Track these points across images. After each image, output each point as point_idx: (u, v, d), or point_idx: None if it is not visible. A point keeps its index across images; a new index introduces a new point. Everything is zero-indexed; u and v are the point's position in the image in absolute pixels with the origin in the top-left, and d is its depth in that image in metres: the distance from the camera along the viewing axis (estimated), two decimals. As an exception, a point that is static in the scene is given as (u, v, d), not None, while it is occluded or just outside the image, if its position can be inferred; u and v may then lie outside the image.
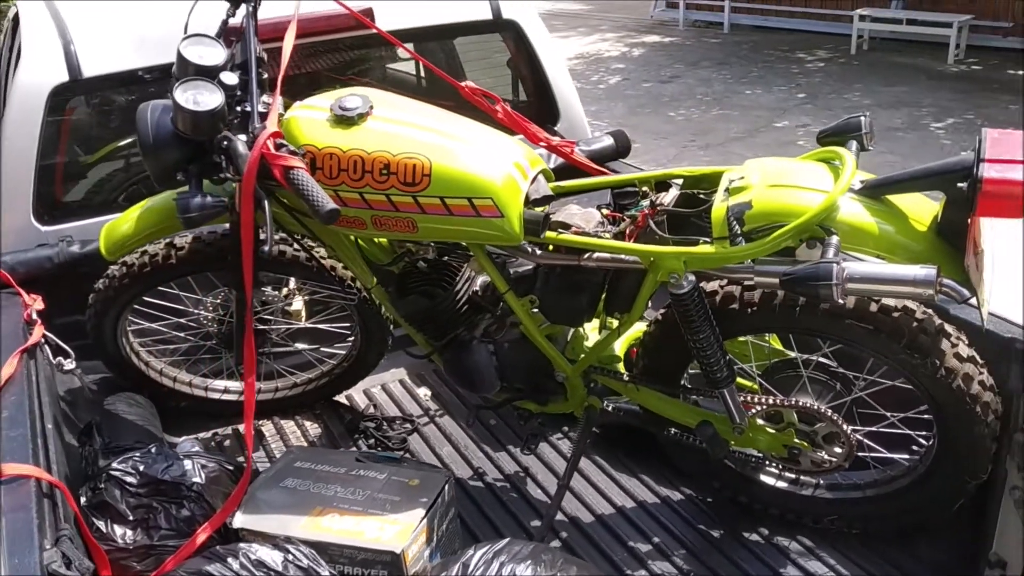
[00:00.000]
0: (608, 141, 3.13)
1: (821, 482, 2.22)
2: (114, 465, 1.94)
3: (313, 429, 2.78)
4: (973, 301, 1.69)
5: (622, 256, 1.91)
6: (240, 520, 2.00)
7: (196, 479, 1.97)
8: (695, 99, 9.30)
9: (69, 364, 2.34)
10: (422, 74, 3.61)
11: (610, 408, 2.22)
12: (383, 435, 2.72)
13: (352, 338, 2.72)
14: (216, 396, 2.77)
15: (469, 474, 2.54)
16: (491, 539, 2.25)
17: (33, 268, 2.52)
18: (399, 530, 1.95)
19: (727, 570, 2.15)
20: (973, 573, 2.05)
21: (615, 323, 2.15)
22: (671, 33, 12.51)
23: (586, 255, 1.94)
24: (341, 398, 2.90)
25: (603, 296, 2.06)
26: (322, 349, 2.78)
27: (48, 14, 2.86)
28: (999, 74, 9.45)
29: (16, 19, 3.25)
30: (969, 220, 1.66)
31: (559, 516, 2.32)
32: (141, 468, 1.95)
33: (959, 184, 1.64)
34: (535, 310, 2.12)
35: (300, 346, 2.76)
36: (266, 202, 1.87)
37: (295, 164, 1.79)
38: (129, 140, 2.97)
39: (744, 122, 8.45)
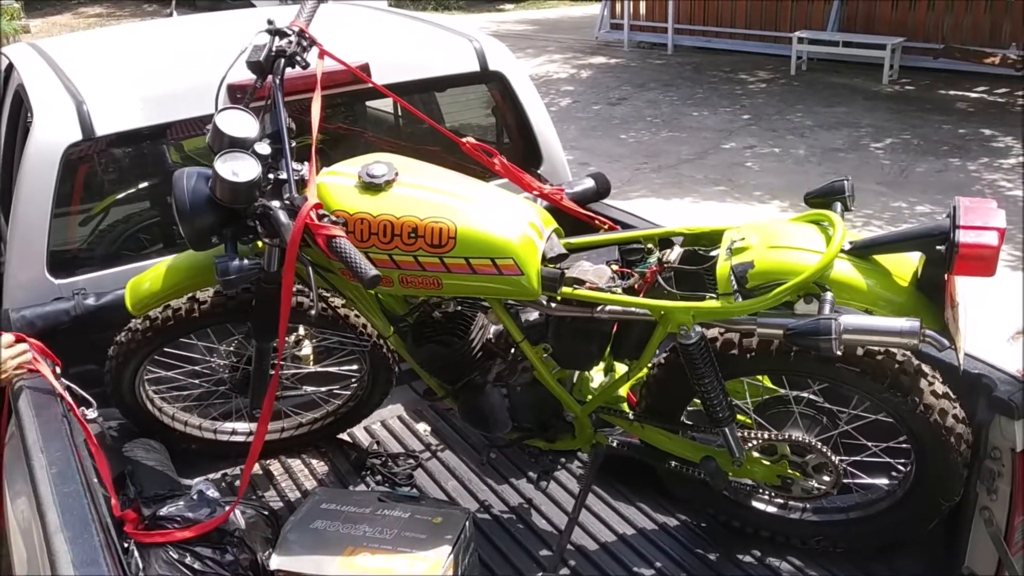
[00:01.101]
0: (589, 183, 3.31)
1: (808, 506, 2.42)
2: (161, 513, 2.06)
3: (320, 467, 2.90)
4: (951, 348, 1.91)
5: (633, 309, 2.09)
6: (276, 562, 2.13)
7: (238, 524, 2.09)
8: (644, 121, 9.57)
9: (91, 413, 2.44)
10: (401, 119, 3.75)
11: (615, 444, 2.39)
12: (389, 471, 2.85)
13: (358, 380, 2.86)
14: (225, 438, 2.88)
15: (475, 507, 2.69)
16: (504, 570, 2.43)
17: (51, 322, 2.61)
18: (429, 566, 2.10)
19: (724, 589, 2.34)
20: (948, 586, 2.27)
21: (621, 367, 2.33)
22: (616, 54, 12.81)
23: (599, 308, 2.12)
24: (344, 435, 3.03)
25: (610, 343, 2.24)
26: (330, 391, 2.91)
27: (50, 70, 2.95)
28: (931, 94, 9.91)
29: (9, 70, 3.33)
30: (946, 277, 1.87)
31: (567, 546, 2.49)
32: (188, 514, 2.06)
33: (938, 247, 1.86)
34: (547, 356, 2.29)
35: (309, 389, 2.88)
36: (310, 268, 2.00)
37: (337, 233, 1.93)
38: (130, 191, 3.08)
39: (693, 144, 8.74)
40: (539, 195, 2.70)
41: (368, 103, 3.65)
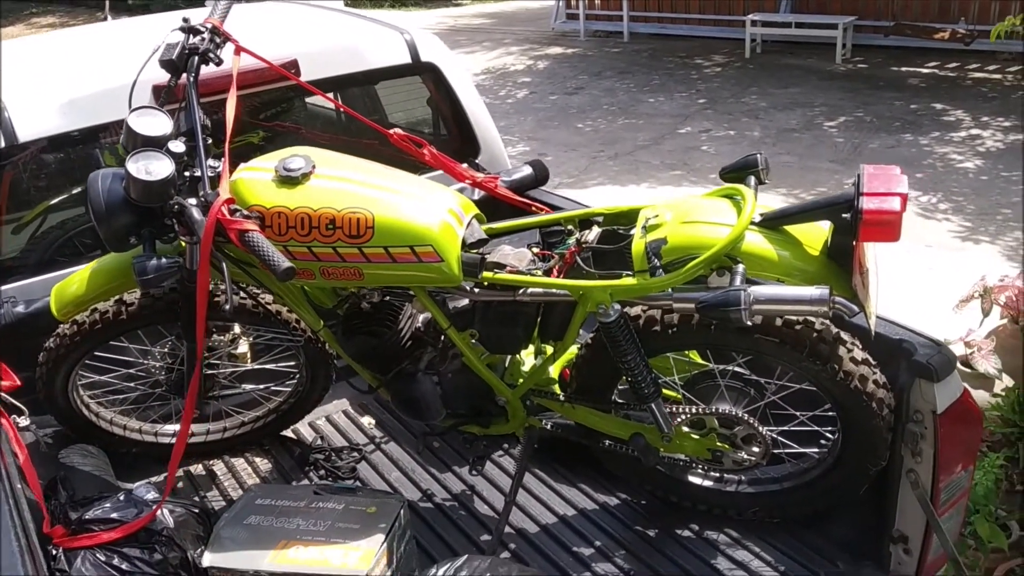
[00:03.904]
0: (527, 171, 3.31)
1: (743, 478, 2.44)
2: (87, 516, 2.04)
3: (264, 465, 2.90)
4: (861, 314, 1.93)
5: (554, 290, 2.10)
6: (209, 559, 2.12)
7: (167, 523, 2.08)
8: (601, 109, 9.60)
9: (24, 421, 2.43)
10: (339, 111, 3.74)
11: (549, 426, 2.40)
12: (333, 465, 2.85)
13: (297, 376, 2.85)
14: (166, 440, 2.86)
15: (418, 496, 2.69)
16: (444, 556, 2.43)
17: (-21, 330, 2.59)
18: (362, 555, 2.10)
19: (664, 565, 2.35)
20: (879, 548, 2.30)
21: (550, 349, 2.35)
22: (573, 44, 12.82)
23: (521, 291, 2.13)
24: (288, 432, 3.02)
25: (537, 325, 2.25)
26: (268, 388, 2.90)
27: None
28: (883, 71, 10.00)
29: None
30: (854, 245, 1.89)
31: (506, 529, 2.50)
32: (114, 515, 2.05)
33: (843, 215, 1.88)
34: (475, 342, 2.30)
35: (247, 387, 2.87)
36: (224, 264, 2.00)
37: (250, 227, 1.93)
38: (61, 198, 3.05)
39: (650, 130, 8.77)
40: (472, 184, 2.70)
41: (309, 99, 3.63)
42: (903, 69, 9.99)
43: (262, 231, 2.00)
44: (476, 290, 2.17)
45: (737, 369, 2.27)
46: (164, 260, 2.08)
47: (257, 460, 2.91)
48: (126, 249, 2.17)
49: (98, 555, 2.01)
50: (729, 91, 9.79)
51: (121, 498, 2.11)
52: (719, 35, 11.80)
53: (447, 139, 3.46)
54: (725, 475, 2.45)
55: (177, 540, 2.08)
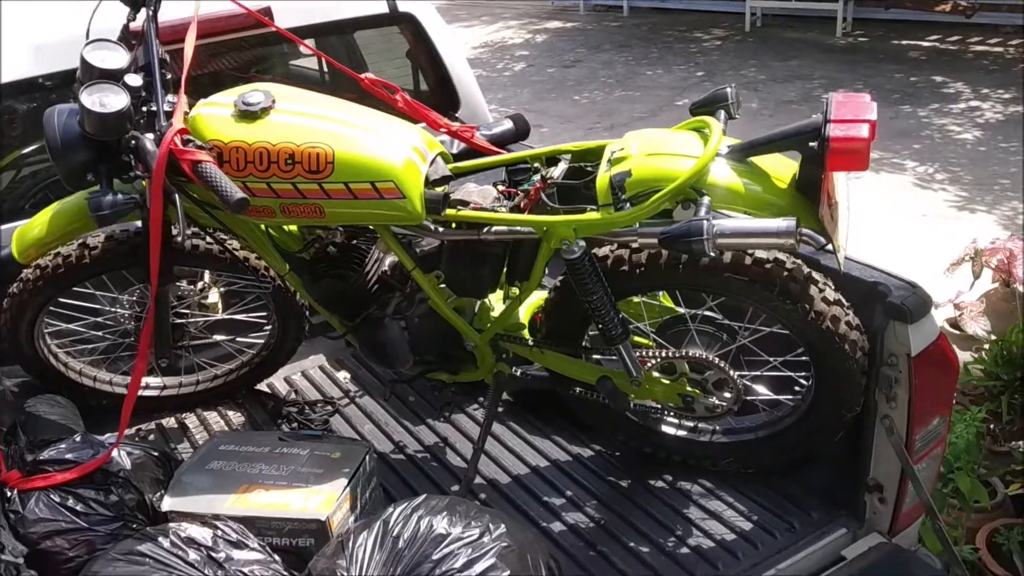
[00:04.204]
0: (508, 125, 3.24)
1: (717, 428, 2.40)
2: (42, 456, 2.01)
3: (236, 418, 2.86)
4: (830, 247, 1.88)
5: (518, 228, 2.05)
6: (168, 503, 2.08)
7: (123, 465, 2.04)
8: (599, 82, 9.50)
9: (-12, 369, 2.39)
10: (324, 68, 3.69)
11: (518, 373, 2.35)
12: (306, 418, 2.81)
13: (269, 327, 2.81)
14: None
15: (391, 448, 2.65)
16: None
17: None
18: (323, 499, 2.06)
19: (635, 514, 2.31)
20: (855, 497, 2.26)
21: (517, 292, 2.30)
22: (572, 18, 12.70)
23: (485, 229, 2.07)
24: (263, 386, 2.98)
25: (504, 268, 2.20)
26: (240, 339, 2.85)
27: None
28: (884, 45, 9.88)
29: None
30: (823, 175, 1.84)
31: (478, 480, 2.46)
32: (69, 456, 2.01)
33: (811, 144, 1.82)
34: (442, 285, 2.25)
35: (218, 337, 2.83)
36: (176, 196, 1.95)
37: (203, 158, 1.88)
38: (34, 147, 3.00)
39: (647, 102, 8.69)
40: (448, 133, 2.64)
41: (284, 49, 3.57)
42: (904, 42, 9.87)
43: (219, 166, 1.96)
44: (440, 229, 2.12)
45: (708, 313, 2.22)
46: (120, 196, 2.03)
47: (230, 413, 2.87)
48: (84, 186, 2.12)
49: (52, 496, 1.97)
50: (728, 64, 9.69)
51: (77, 439, 2.07)
52: (719, 8, 11.65)
53: (427, 94, 3.40)
54: (699, 425, 2.40)
55: (134, 482, 2.04)
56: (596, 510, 2.34)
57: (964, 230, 5.48)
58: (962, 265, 3.93)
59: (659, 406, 2.31)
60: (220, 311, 2.76)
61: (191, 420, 2.86)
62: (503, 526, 1.77)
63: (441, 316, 2.29)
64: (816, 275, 2.05)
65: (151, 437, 2.77)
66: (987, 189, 6.24)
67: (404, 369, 2.40)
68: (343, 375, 3.06)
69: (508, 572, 1.68)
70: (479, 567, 1.67)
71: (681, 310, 2.24)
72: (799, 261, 2.04)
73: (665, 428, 2.42)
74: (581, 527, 2.28)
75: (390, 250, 2.23)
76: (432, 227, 2.12)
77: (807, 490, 2.33)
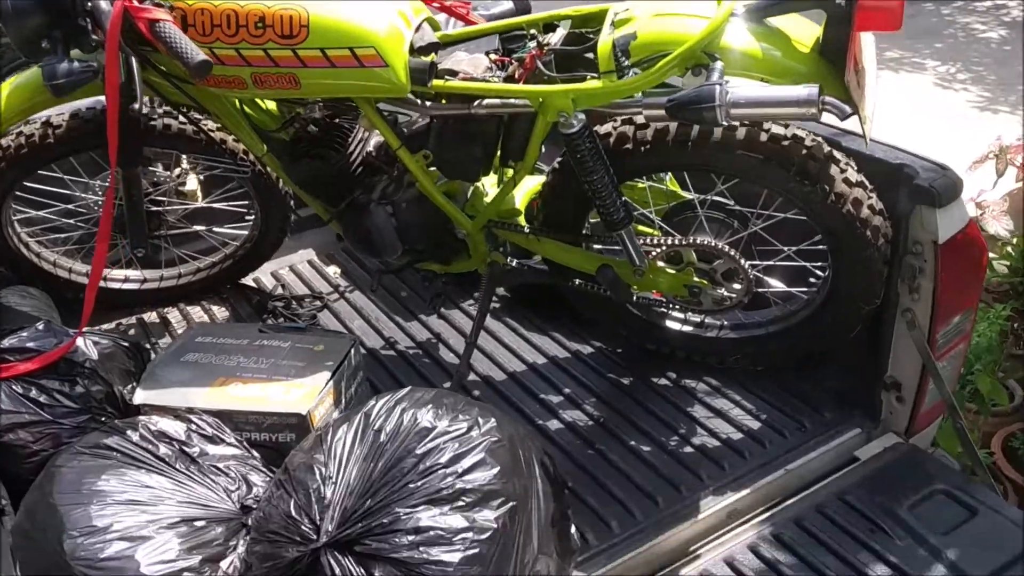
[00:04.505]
0: (507, 5, 3.03)
1: (725, 323, 2.26)
2: (2, 344, 1.87)
3: (220, 312, 2.73)
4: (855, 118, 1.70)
5: (512, 100, 1.87)
6: (141, 396, 1.96)
7: (89, 355, 1.91)
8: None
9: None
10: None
11: (513, 264, 2.20)
12: (292, 313, 2.68)
13: (251, 216, 2.65)
14: (116, 286, 2.68)
15: (381, 344, 2.53)
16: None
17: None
18: (305, 393, 1.93)
19: (636, 413, 2.19)
20: (870, 396, 2.13)
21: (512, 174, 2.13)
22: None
23: (476, 102, 1.89)
24: (248, 281, 2.85)
25: (498, 147, 2.02)
26: (221, 230, 2.70)
27: None
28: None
29: None
30: (849, 37, 1.65)
31: (471, 377, 2.33)
32: (31, 345, 1.88)
33: (838, 1, 1.62)
34: (431, 167, 2.08)
35: (197, 228, 2.67)
36: (133, 59, 1.78)
37: (161, 16, 1.69)
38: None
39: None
40: (441, 9, 2.43)
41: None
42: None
43: (183, 30, 1.77)
44: (427, 103, 1.94)
45: (718, 199, 2.05)
46: (76, 64, 1.85)
47: (214, 308, 2.74)
48: (39, 55, 1.93)
49: (14, 387, 1.84)
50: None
51: (40, 327, 1.93)
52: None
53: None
54: (705, 320, 2.26)
55: (101, 373, 1.90)
56: (595, 408, 2.22)
57: (986, 131, 5.25)
58: (985, 163, 3.74)
59: (663, 299, 2.17)
60: (199, 199, 2.60)
61: (173, 315, 2.73)
62: (493, 420, 1.64)
63: (430, 201, 2.13)
64: (837, 154, 1.88)
65: (131, 332, 2.65)
66: (1011, 89, 5.98)
67: (392, 259, 2.25)
68: (333, 270, 2.92)
69: (498, 468, 1.55)
70: (466, 462, 1.54)
71: (689, 195, 2.07)
72: (819, 138, 1.86)
73: (669, 323, 2.28)
74: (579, 425, 2.17)
75: (374, 128, 2.05)
76: (418, 101, 1.94)
77: (819, 389, 2.20)
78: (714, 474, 2.00)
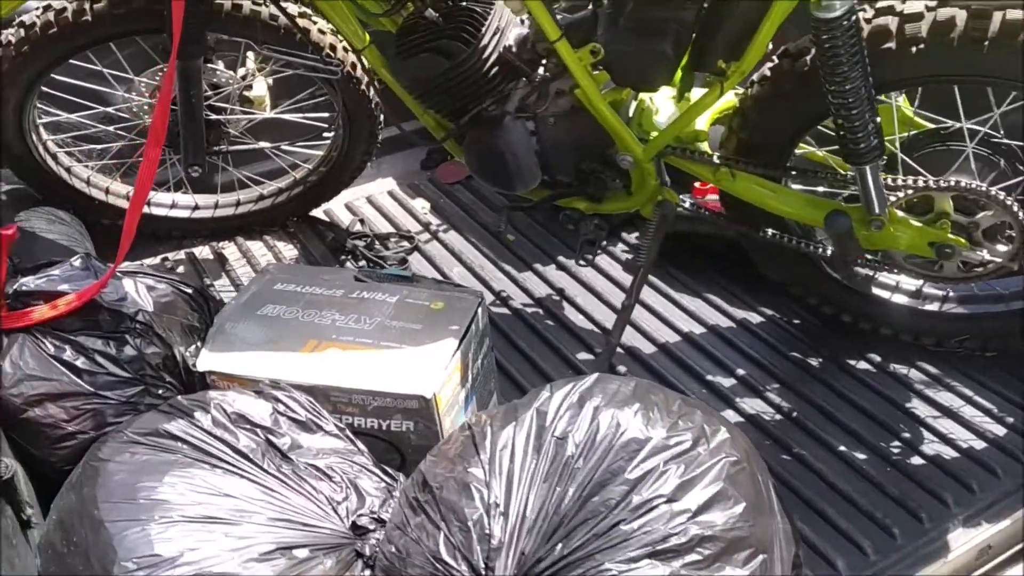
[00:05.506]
0: None
1: (950, 293, 1.75)
2: (26, 284, 1.38)
3: (287, 250, 2.24)
4: None
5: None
6: (207, 361, 1.47)
7: (143, 304, 1.41)
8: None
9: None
10: None
11: (688, 203, 1.68)
12: (376, 254, 2.18)
13: (332, 132, 2.13)
14: (161, 212, 2.20)
15: (490, 299, 2.03)
16: (529, 377, 1.78)
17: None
18: (427, 367, 1.44)
19: (833, 403, 1.70)
20: None
21: (693, 91, 1.61)
22: None
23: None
24: (318, 213, 2.34)
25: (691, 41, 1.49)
26: (293, 147, 2.19)
27: None
28: None
29: None
30: None
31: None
32: (64, 288, 1.38)
33: None
34: (597, 67, 1.55)
35: (264, 144, 2.16)
36: None
37: None
38: None
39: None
40: None
41: None
42: None
43: None
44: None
45: (989, 132, 1.52)
46: None
47: (279, 244, 2.25)
48: None
49: (42, 344, 1.35)
50: None
51: (76, 263, 1.42)
52: None
53: None
54: (926, 289, 1.75)
55: (157, 329, 1.41)
56: (780, 396, 1.72)
57: None
58: None
59: (878, 259, 1.65)
60: (268, 108, 2.09)
61: (230, 250, 2.24)
62: (723, 430, 1.14)
63: (585, 116, 1.60)
64: None
65: (180, 269, 2.15)
66: None
67: (525, 191, 1.73)
68: (420, 203, 2.41)
69: (743, 504, 1.06)
70: (699, 494, 1.05)
71: (955, 124, 1.53)
72: None
73: (877, 291, 1.78)
74: (764, 420, 1.67)
75: (516, 9, 1.51)
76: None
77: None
78: (962, 497, 1.51)
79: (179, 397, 1.34)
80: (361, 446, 1.37)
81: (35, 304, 1.37)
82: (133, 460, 1.24)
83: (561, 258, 2.14)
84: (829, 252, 1.60)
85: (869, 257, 1.60)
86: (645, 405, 1.14)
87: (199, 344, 1.50)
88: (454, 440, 1.21)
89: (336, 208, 2.37)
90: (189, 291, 1.52)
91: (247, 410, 1.32)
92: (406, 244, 2.23)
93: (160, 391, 1.40)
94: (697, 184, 1.87)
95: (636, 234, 2.15)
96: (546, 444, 1.12)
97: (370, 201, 2.42)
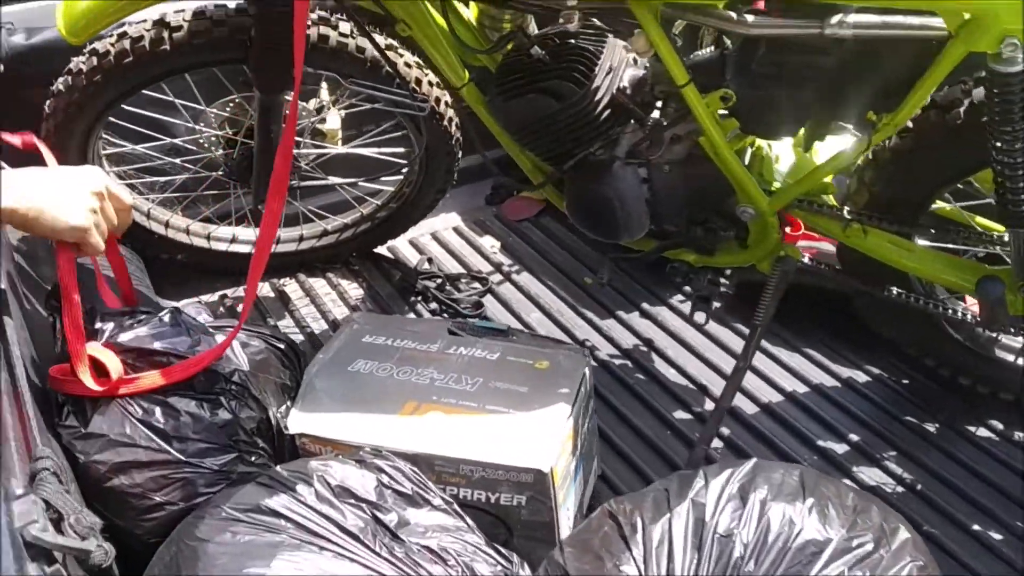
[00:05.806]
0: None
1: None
2: (115, 338, 1.26)
3: (352, 289, 2.12)
4: None
5: (908, 19, 1.22)
6: (299, 423, 1.35)
7: (238, 364, 1.29)
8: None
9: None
10: None
11: (808, 260, 1.57)
12: (448, 296, 2.06)
13: (406, 168, 2.03)
14: (222, 247, 2.08)
15: (574, 349, 1.91)
16: (627, 439, 1.66)
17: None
18: (539, 436, 1.32)
19: (958, 473, 1.58)
20: None
21: (820, 145, 1.50)
22: None
23: (836, 19, 1.24)
24: (383, 250, 2.23)
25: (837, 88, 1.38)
26: (364, 184, 2.08)
27: None
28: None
29: None
30: None
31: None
32: (156, 346, 1.26)
33: None
34: (724, 112, 1.44)
35: (334, 180, 2.05)
36: None
37: None
38: None
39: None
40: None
41: None
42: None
43: None
44: (749, 18, 1.29)
45: None
46: None
47: (343, 283, 2.13)
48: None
49: (129, 407, 1.22)
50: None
51: (165, 319, 1.30)
52: None
53: None
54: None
55: (253, 390, 1.29)
56: (901, 466, 1.60)
57: None
58: None
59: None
60: (339, 142, 1.98)
61: (292, 287, 2.13)
62: (902, 528, 1.02)
63: (707, 164, 1.49)
64: None
65: (238, 308, 2.04)
66: None
67: (630, 241, 1.62)
68: (489, 242, 2.30)
69: (937, 616, 0.95)
70: (890, 607, 0.94)
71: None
72: None
73: (1001, 352, 1.66)
74: (887, 492, 1.55)
75: (642, 50, 1.41)
76: (736, 16, 1.29)
77: None
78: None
79: (278, 468, 1.22)
80: (471, 522, 1.25)
81: (130, 363, 1.25)
82: (235, 541, 1.11)
83: (645, 305, 2.03)
84: (969, 316, 1.48)
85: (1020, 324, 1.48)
86: (819, 500, 1.02)
87: (289, 404, 1.38)
88: (595, 529, 1.09)
89: (401, 245, 2.26)
90: (282, 347, 1.40)
91: (351, 483, 1.19)
92: (478, 286, 2.11)
93: (253, 458, 1.28)
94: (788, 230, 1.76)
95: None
96: (708, 542, 1.00)
97: (435, 238, 2.31)
